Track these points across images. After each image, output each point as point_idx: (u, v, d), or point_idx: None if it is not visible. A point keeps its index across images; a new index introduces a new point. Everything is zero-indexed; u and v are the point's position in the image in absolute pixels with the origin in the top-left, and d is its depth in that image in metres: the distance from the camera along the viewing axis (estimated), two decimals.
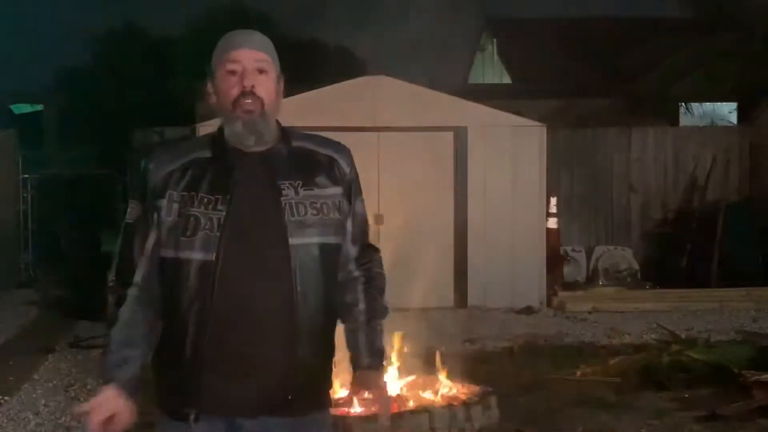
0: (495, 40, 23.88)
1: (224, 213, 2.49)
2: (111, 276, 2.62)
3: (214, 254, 2.47)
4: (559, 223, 12.01)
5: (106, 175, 16.58)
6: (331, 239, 2.58)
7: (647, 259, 13.43)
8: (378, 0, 12.23)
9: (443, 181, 11.44)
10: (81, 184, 16.97)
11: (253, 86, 2.54)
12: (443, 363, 6.52)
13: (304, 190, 2.56)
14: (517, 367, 8.07)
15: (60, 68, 28.56)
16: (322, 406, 2.65)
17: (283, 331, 2.49)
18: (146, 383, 2.61)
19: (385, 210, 10.46)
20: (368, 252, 2.73)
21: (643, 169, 13.82)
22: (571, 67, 18.61)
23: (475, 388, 6.40)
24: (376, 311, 2.71)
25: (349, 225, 2.66)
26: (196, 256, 2.48)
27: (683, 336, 8.84)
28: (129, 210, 2.61)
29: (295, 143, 2.63)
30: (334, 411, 3.07)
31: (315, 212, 2.55)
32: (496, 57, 23.81)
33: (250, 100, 2.53)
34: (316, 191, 2.57)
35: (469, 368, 7.10)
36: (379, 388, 2.73)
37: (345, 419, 5.63)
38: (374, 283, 2.72)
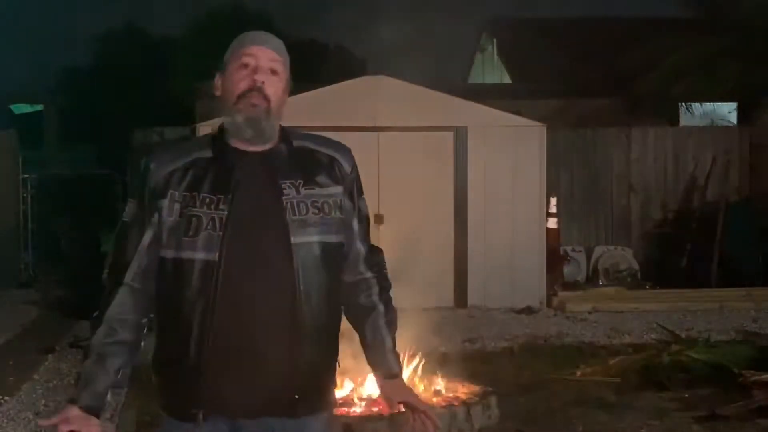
0: (495, 40, 23.86)
1: (226, 213, 2.48)
2: (105, 272, 2.61)
3: (217, 254, 2.46)
4: (559, 223, 12.01)
5: (106, 175, 16.57)
6: (333, 238, 2.58)
7: (647, 259, 13.43)
8: (378, 0, 12.24)
9: (443, 181, 11.44)
10: (81, 184, 16.96)
11: (263, 82, 2.54)
12: (443, 363, 6.53)
13: (305, 189, 2.55)
14: (517, 367, 8.06)
15: (60, 68, 28.56)
16: (326, 406, 2.64)
17: (286, 330, 2.49)
18: (145, 384, 2.60)
19: (385, 210, 10.46)
20: (375, 253, 2.74)
21: (643, 169, 13.83)
22: (571, 67, 18.59)
23: (475, 388, 6.40)
24: (394, 317, 2.74)
25: (355, 224, 2.66)
26: (199, 255, 2.47)
27: (683, 336, 8.84)
28: (127, 209, 2.61)
29: (296, 143, 2.63)
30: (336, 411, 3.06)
31: (316, 211, 2.54)
32: (496, 57, 23.79)
33: (257, 96, 2.54)
34: (317, 190, 2.57)
35: (469, 368, 7.10)
36: (415, 396, 2.75)
37: (345, 419, 5.63)
38: (387, 287, 2.74)
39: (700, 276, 12.44)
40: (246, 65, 2.56)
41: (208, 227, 2.48)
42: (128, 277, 2.55)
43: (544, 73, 18.62)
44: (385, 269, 2.76)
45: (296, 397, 2.52)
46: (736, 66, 14.89)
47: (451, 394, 6.29)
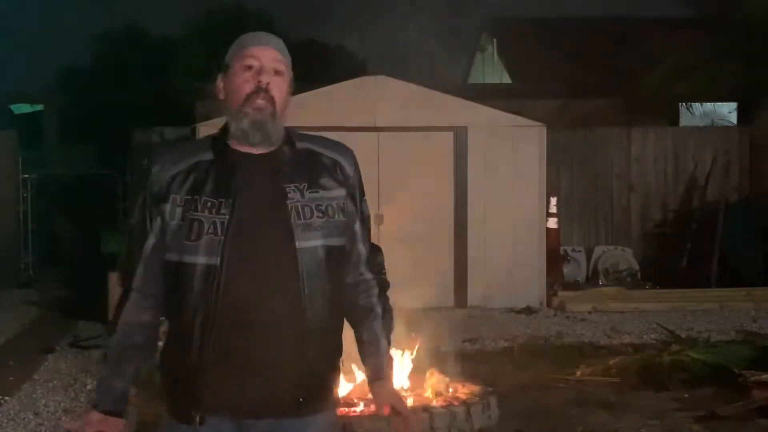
0: (495, 40, 23.85)
1: (227, 217, 2.48)
2: (118, 274, 2.67)
3: (219, 258, 2.46)
4: (558, 223, 12.01)
5: (106, 175, 16.55)
6: (336, 241, 2.57)
7: (647, 259, 13.44)
8: (378, 0, 12.24)
9: (443, 181, 11.44)
10: (81, 184, 16.96)
11: (268, 83, 2.53)
12: (443, 363, 6.52)
13: (310, 192, 2.55)
14: (517, 367, 8.07)
15: (60, 68, 28.50)
16: (330, 406, 2.65)
17: (292, 334, 2.49)
18: (149, 386, 2.62)
19: (385, 210, 10.46)
20: (376, 254, 2.75)
21: (643, 169, 13.83)
22: (571, 67, 18.59)
23: (475, 388, 6.41)
24: (390, 318, 2.76)
25: (358, 226, 2.66)
26: (201, 260, 2.48)
27: (683, 336, 8.84)
28: (135, 213, 2.62)
29: (299, 145, 2.62)
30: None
31: (320, 215, 2.54)
32: (496, 57, 23.78)
33: (262, 98, 2.52)
34: (321, 193, 2.56)
35: (469, 368, 7.10)
36: (401, 400, 2.73)
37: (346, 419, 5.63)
38: (385, 288, 2.75)
39: (700, 276, 12.44)
40: (249, 67, 2.54)
41: (210, 231, 2.48)
42: (136, 283, 2.58)
43: (544, 73, 18.60)
44: (384, 269, 2.77)
45: (304, 398, 2.53)
46: (736, 66, 14.90)
47: (451, 394, 6.30)
